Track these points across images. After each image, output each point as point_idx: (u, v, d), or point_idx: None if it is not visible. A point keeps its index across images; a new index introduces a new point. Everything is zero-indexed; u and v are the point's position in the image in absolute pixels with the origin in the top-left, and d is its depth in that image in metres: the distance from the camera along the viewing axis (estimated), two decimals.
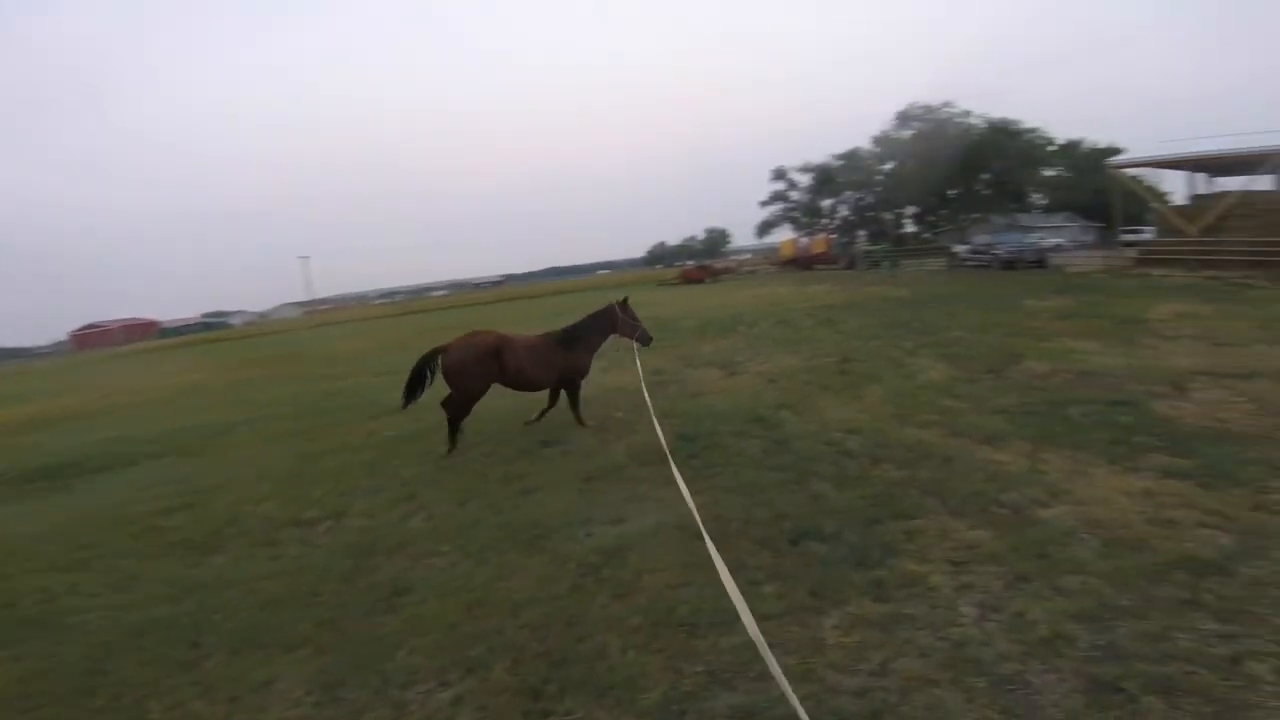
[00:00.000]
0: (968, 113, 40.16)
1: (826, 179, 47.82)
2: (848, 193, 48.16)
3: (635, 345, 6.60)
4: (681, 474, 4.84)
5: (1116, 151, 26.72)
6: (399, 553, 3.97)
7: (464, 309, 43.20)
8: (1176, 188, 23.32)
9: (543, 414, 6.57)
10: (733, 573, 3.27)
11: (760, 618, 2.87)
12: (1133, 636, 2.51)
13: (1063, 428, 5.00)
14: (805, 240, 43.47)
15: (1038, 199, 43.11)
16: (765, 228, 52.39)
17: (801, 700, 2.34)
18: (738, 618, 2.90)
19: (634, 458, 5.26)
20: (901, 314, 12.80)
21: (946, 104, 40.84)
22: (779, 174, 50.02)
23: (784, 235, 49.02)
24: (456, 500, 4.78)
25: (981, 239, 30.13)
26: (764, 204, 51.28)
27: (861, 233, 48.28)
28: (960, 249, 29.79)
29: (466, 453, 5.99)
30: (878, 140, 44.54)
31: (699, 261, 59.96)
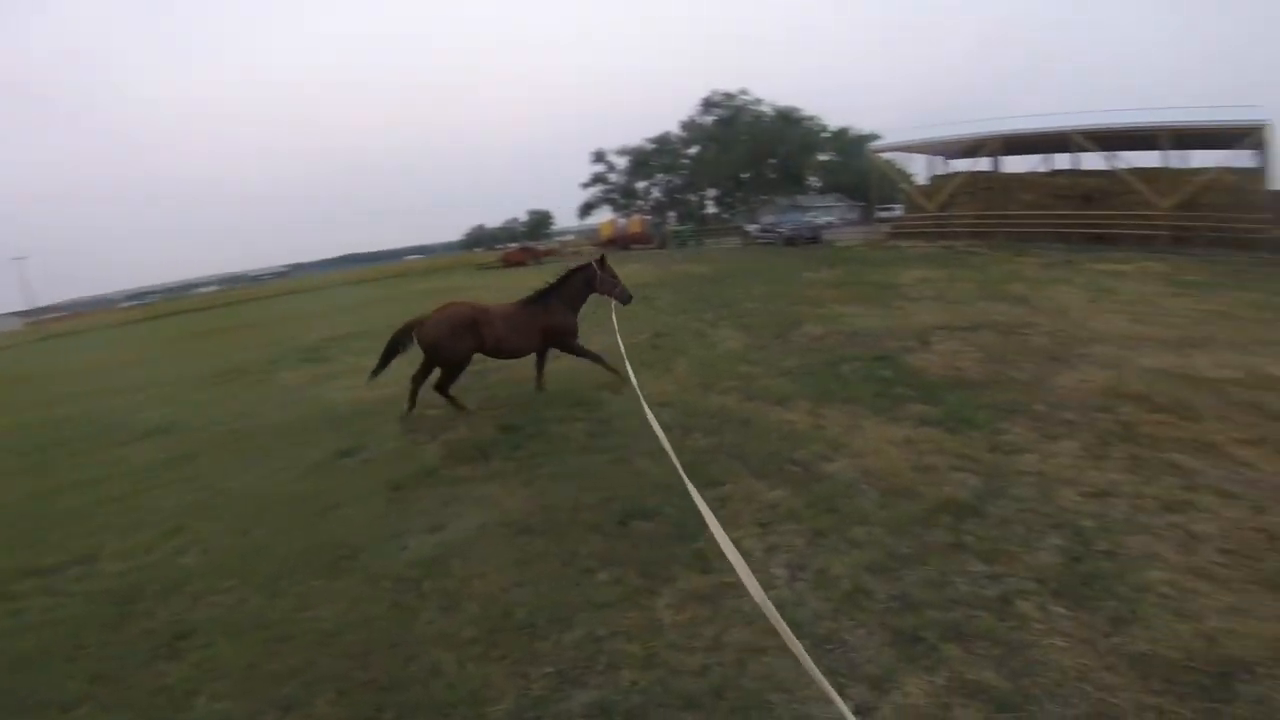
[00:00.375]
0: (760, 101, 43.97)
1: (641, 162, 49.40)
2: (660, 175, 50.26)
3: (614, 304, 6.46)
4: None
5: (876, 137, 30.91)
6: (173, 594, 3.37)
7: (235, 307, 37.96)
8: (921, 170, 27.77)
9: (540, 380, 6.48)
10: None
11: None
12: (919, 584, 2.76)
13: (837, 385, 5.67)
14: (623, 221, 44.61)
15: (814, 181, 48.67)
16: (586, 209, 52.79)
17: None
18: (578, 610, 2.89)
19: (450, 457, 4.94)
20: (704, 289, 13.64)
21: (743, 91, 44.25)
22: (598, 156, 50.55)
23: (604, 217, 49.84)
24: (237, 529, 4.11)
25: (768, 219, 33.17)
26: (585, 186, 51.64)
27: (672, 214, 50.85)
28: (751, 228, 32.54)
29: (243, 475, 5.20)
30: (685, 125, 47.07)
31: (522, 244, 58.68)
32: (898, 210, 28.43)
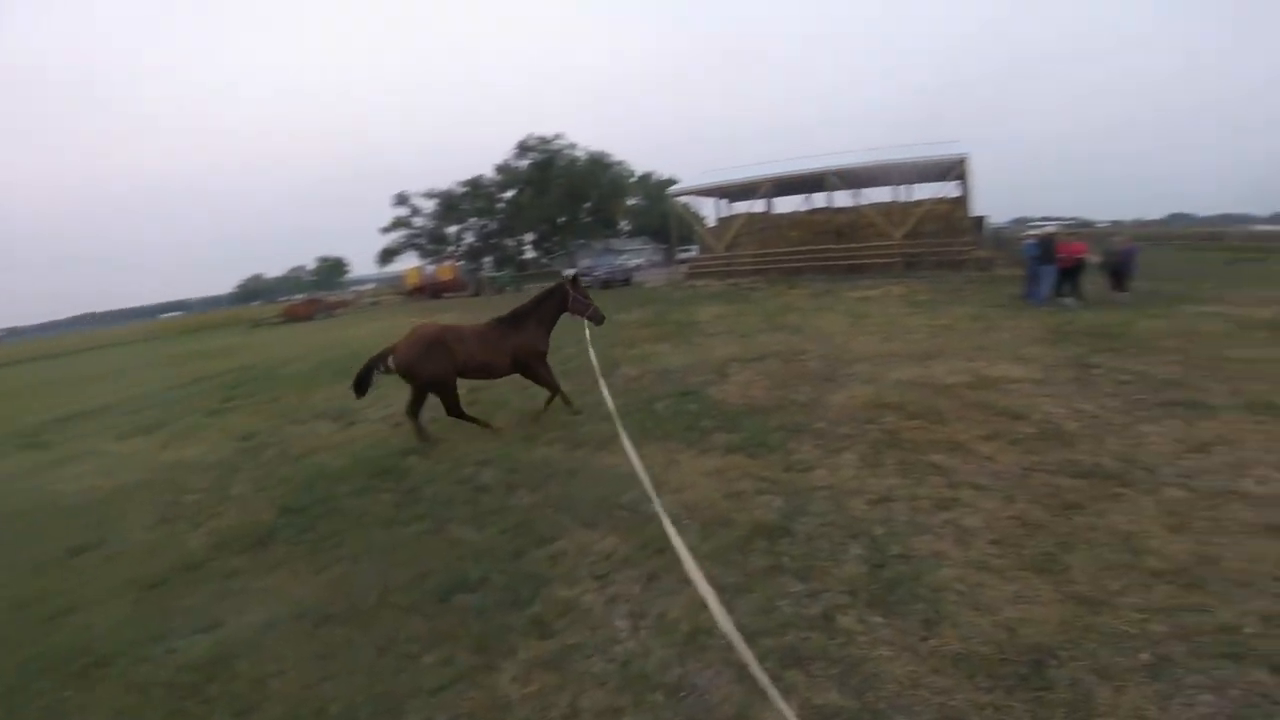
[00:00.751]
0: (574, 145, 45.30)
1: (452, 205, 47.94)
2: (473, 219, 49.18)
3: (586, 324, 6.46)
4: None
5: (675, 181, 33.25)
6: None
7: None
8: (710, 212, 30.40)
9: (549, 403, 6.41)
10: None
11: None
12: (751, 613, 2.81)
13: (653, 423, 5.79)
14: (432, 268, 42.68)
15: (624, 225, 51.27)
16: (388, 255, 49.63)
17: None
18: (407, 699, 2.54)
19: (219, 547, 4.26)
20: None
21: (559, 136, 45.24)
22: (401, 199, 47.97)
23: (409, 263, 47.22)
24: None
25: (585, 262, 34.16)
26: (385, 230, 48.57)
27: (488, 259, 49.93)
28: (568, 272, 33.24)
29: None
30: (499, 169, 46.78)
31: (309, 295, 53.19)
32: (694, 251, 30.77)
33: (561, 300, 6.40)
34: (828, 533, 3.49)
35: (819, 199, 26.83)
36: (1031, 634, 2.53)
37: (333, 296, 46.25)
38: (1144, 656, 2.38)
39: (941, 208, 22.46)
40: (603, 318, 6.67)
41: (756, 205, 25.76)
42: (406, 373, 5.82)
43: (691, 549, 3.40)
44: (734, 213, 28.29)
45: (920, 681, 2.35)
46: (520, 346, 6.19)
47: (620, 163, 47.57)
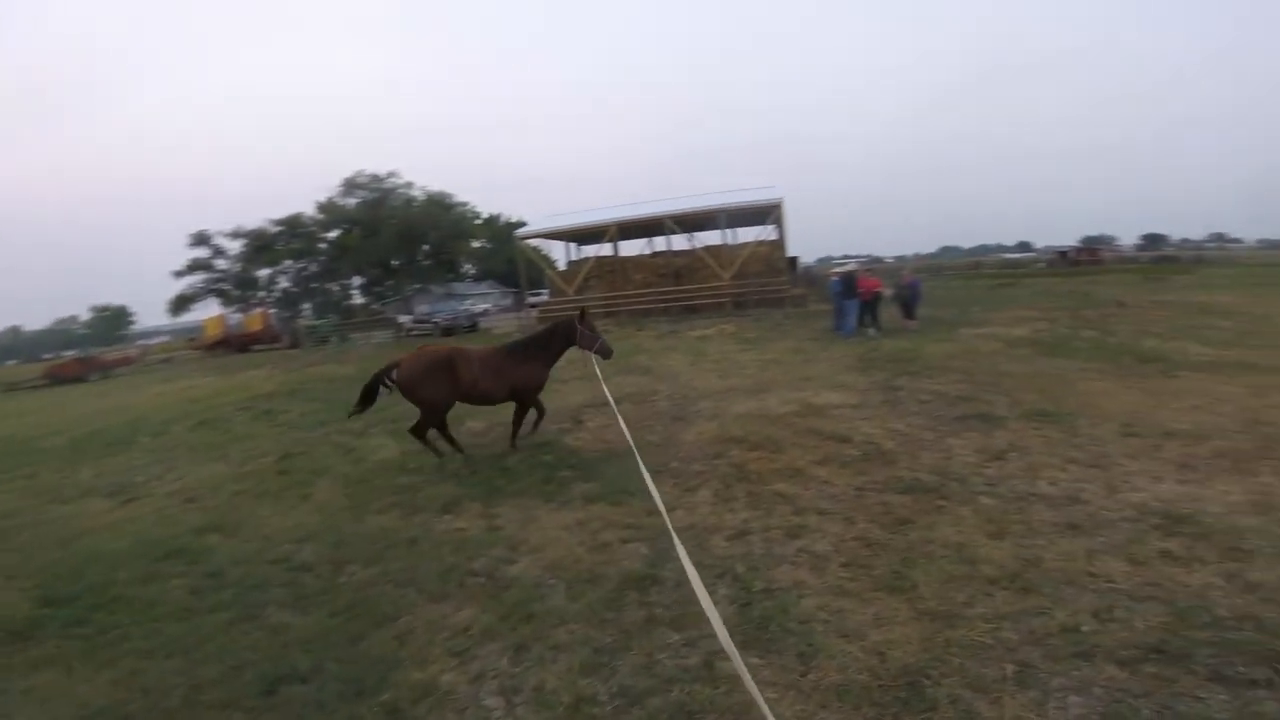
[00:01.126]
0: (410, 184, 43.00)
1: (263, 246, 42.99)
2: (288, 262, 44.57)
3: (595, 358, 6.35)
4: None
5: (523, 224, 32.82)
6: None
7: None
8: (560, 255, 30.49)
9: (536, 425, 6.50)
10: None
11: None
12: (633, 672, 2.68)
13: (505, 479, 5.44)
14: (238, 317, 37.58)
15: (469, 268, 49.73)
16: (183, 303, 43.19)
17: None
18: None
19: None
20: (350, 393, 11.96)
21: (392, 174, 42.66)
22: (201, 239, 42.22)
23: (210, 311, 41.31)
24: None
25: (423, 308, 32.37)
26: (180, 274, 42.33)
27: (307, 306, 45.45)
28: (405, 319, 31.00)
29: None
30: (322, 207, 42.95)
31: (81, 351, 44.45)
32: (545, 295, 30.61)
33: (568, 334, 6.39)
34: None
35: (660, 242, 28.24)
36: (900, 656, 2.62)
37: (111, 353, 38.84)
38: (1008, 667, 2.51)
39: (762, 249, 24.71)
40: (611, 351, 6.59)
41: (604, 248, 26.35)
42: (406, 390, 5.90)
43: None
44: (583, 256, 28.67)
45: (812, 718, 2.34)
46: (522, 379, 6.22)
47: (464, 204, 46.38)
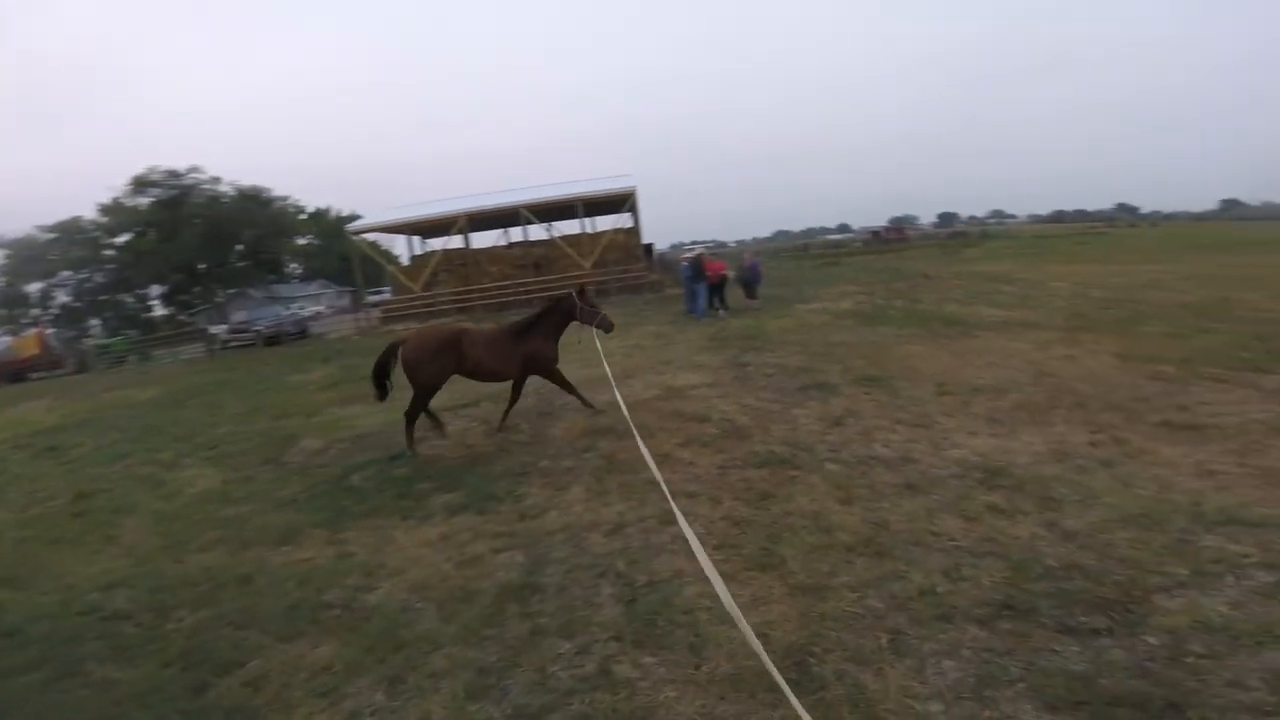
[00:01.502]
0: (217, 179, 37.27)
1: (33, 257, 35.47)
2: (66, 273, 37.23)
3: (595, 332, 6.40)
4: None
5: (357, 217, 29.99)
6: None
7: None
8: (403, 250, 28.50)
9: (506, 413, 6.50)
10: None
11: None
12: (527, 690, 2.54)
13: (353, 500, 4.96)
14: (6, 340, 30.69)
15: (294, 268, 44.87)
16: None
17: None
18: None
19: None
20: (154, 419, 10.36)
21: (194, 169, 36.61)
22: None
23: None
24: None
25: (240, 316, 28.61)
26: None
27: (95, 322, 38.40)
28: (219, 330, 27.25)
29: None
30: (106, 209, 36.06)
31: None
32: (387, 293, 28.55)
33: (569, 310, 6.39)
34: (576, 578, 3.36)
35: (516, 233, 27.45)
36: (782, 636, 2.66)
37: None
38: (882, 637, 2.59)
39: (620, 237, 25.00)
40: (612, 325, 6.56)
41: (453, 241, 25.05)
42: (411, 367, 5.85)
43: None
44: (429, 249, 27.10)
45: (713, 713, 2.32)
46: (529, 355, 6.26)
47: (283, 198, 41.42)
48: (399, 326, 21.01)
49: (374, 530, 4.32)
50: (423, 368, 5.84)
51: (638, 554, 3.51)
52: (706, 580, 3.11)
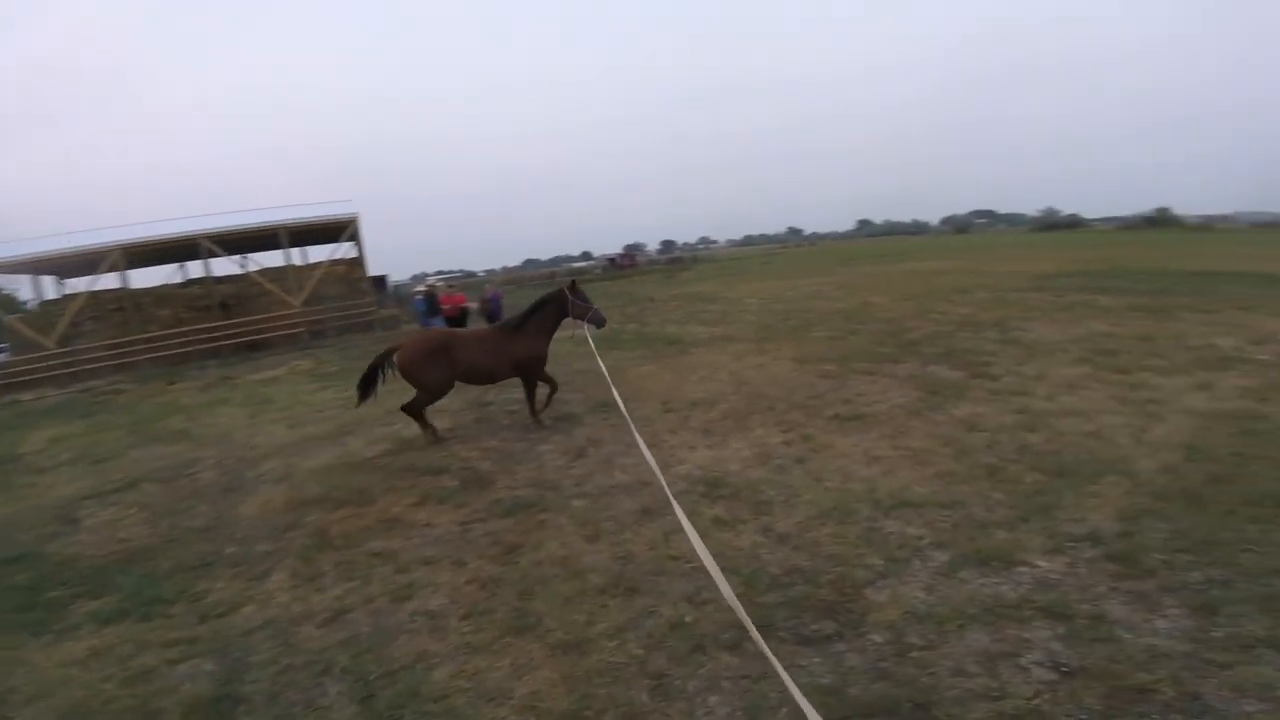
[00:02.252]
0: None
1: None
2: None
3: (587, 328, 6.33)
4: None
5: None
6: None
7: None
8: (30, 295, 21.63)
9: (533, 407, 6.45)
10: None
11: None
12: None
13: None
14: None
15: None
16: None
17: None
18: None
19: None
20: None
21: None
22: None
23: None
24: None
25: None
26: None
27: None
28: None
29: None
30: None
31: None
32: (4, 352, 21.42)
33: (561, 306, 6.37)
34: (292, 680, 2.78)
35: (195, 268, 22.76)
36: (551, 706, 2.42)
37: None
38: (647, 684, 2.46)
39: (339, 269, 22.45)
40: (605, 320, 6.66)
41: (105, 280, 19.69)
42: (407, 374, 5.95)
43: None
44: (70, 292, 20.95)
45: None
46: (522, 353, 6.23)
47: None
48: (27, 395, 15.77)
49: None
50: (424, 370, 5.98)
51: (368, 641, 3.00)
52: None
